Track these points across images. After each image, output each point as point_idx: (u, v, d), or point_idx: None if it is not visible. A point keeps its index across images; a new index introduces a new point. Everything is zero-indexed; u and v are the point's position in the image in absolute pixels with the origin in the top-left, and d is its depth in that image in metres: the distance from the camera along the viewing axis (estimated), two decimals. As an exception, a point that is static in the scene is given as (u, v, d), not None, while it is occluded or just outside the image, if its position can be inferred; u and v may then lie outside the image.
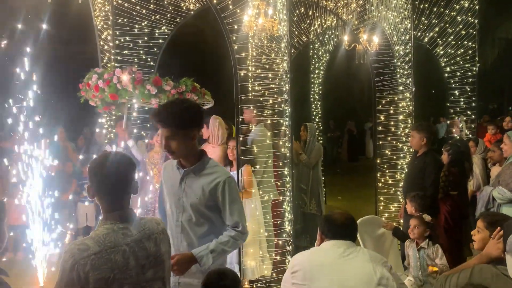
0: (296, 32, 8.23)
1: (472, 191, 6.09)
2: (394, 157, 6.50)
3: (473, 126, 8.08)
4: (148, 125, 6.33)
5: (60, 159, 6.07)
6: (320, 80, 9.82)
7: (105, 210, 2.02)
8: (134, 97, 4.77)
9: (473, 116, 8.12)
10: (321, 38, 9.42)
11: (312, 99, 9.80)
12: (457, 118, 8.21)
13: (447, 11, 7.86)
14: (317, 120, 9.74)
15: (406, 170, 5.77)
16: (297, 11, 7.74)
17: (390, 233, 4.42)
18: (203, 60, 12.91)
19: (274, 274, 4.76)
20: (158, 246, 2.08)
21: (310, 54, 9.67)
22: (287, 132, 4.82)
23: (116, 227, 1.96)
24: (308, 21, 8.19)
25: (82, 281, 1.81)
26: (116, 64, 5.82)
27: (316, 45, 9.60)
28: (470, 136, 7.88)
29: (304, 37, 8.52)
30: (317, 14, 8.20)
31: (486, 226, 2.76)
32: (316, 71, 9.81)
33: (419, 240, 4.09)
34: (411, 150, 5.79)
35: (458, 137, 7.83)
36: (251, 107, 4.94)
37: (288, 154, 4.80)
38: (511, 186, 4.41)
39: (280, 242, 4.79)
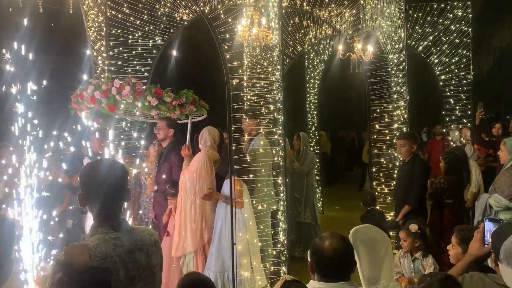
0: (291, 42, 8.26)
1: (475, 194, 5.99)
2: (390, 166, 6.47)
3: (468, 134, 8.05)
4: (142, 136, 6.31)
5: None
6: (315, 90, 9.84)
7: (96, 219, 1.95)
8: (133, 108, 4.74)
9: (468, 124, 8.11)
10: (316, 47, 9.45)
11: (308, 109, 9.80)
12: (454, 126, 8.18)
13: (441, 20, 7.90)
14: (313, 129, 9.73)
15: (396, 178, 5.79)
16: (291, 21, 7.78)
17: (384, 242, 4.38)
18: (197, 70, 12.94)
19: (269, 285, 4.70)
20: (150, 258, 1.99)
21: (306, 64, 9.70)
22: (281, 141, 4.80)
23: (108, 237, 1.88)
24: (302, 31, 8.22)
25: None
26: (109, 75, 5.80)
27: (311, 55, 9.63)
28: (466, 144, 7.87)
29: (299, 47, 8.55)
30: (312, 24, 8.23)
31: (459, 242, 2.76)
32: (312, 81, 9.82)
33: (413, 251, 4.05)
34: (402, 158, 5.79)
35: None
36: (244, 116, 4.92)
37: (281, 163, 4.77)
38: (506, 193, 4.38)
39: (274, 252, 4.74)
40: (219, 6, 4.74)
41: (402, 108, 6.60)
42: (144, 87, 4.72)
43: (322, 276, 2.13)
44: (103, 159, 2.10)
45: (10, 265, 1.87)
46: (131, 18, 5.97)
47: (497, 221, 2.48)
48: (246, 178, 4.68)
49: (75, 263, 1.66)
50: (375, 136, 6.55)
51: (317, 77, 9.82)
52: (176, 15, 6.17)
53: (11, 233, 1.84)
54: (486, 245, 2.36)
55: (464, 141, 7.99)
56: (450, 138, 8.47)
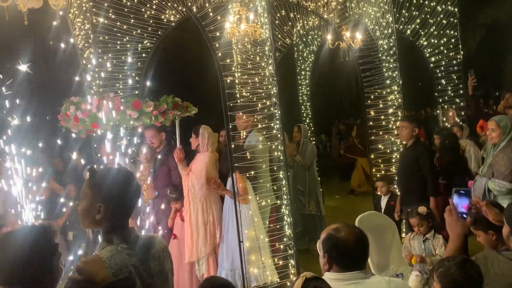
0: (279, 35, 8.22)
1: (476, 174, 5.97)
2: (388, 151, 6.48)
3: (462, 113, 8.08)
4: (136, 142, 6.25)
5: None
6: (307, 81, 9.82)
7: (107, 231, 1.89)
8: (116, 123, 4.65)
9: (461, 104, 8.14)
10: (304, 39, 9.42)
11: (301, 101, 9.79)
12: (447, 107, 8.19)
13: (427, 2, 7.89)
14: (307, 121, 9.73)
15: (399, 163, 5.74)
16: (278, 14, 7.74)
17: (391, 228, 4.38)
18: (189, 70, 12.87)
19: (278, 280, 4.70)
20: (162, 265, 1.99)
21: (295, 56, 9.67)
22: (279, 135, 4.79)
23: (120, 247, 1.84)
24: (290, 23, 8.18)
25: None
26: (101, 82, 5.74)
27: (300, 47, 9.61)
28: (461, 123, 7.88)
29: (287, 39, 8.52)
30: (299, 16, 8.20)
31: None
32: (303, 73, 9.80)
33: (425, 232, 4.07)
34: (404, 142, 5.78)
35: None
36: (241, 113, 4.91)
37: (281, 157, 4.76)
38: (509, 178, 4.14)
39: (282, 246, 4.74)
40: (207, 5, 4.69)
41: (396, 92, 6.61)
42: (123, 100, 4.60)
43: (342, 267, 2.10)
44: (117, 168, 2.03)
45: (56, 275, 1.82)
46: (118, 23, 5.89)
47: (464, 192, 2.49)
48: (247, 175, 4.67)
49: (96, 279, 1.61)
50: (371, 123, 6.55)
51: (307, 69, 9.80)
52: (162, 16, 6.11)
53: (51, 241, 1.80)
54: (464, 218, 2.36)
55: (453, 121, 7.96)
56: (444, 119, 8.49)
